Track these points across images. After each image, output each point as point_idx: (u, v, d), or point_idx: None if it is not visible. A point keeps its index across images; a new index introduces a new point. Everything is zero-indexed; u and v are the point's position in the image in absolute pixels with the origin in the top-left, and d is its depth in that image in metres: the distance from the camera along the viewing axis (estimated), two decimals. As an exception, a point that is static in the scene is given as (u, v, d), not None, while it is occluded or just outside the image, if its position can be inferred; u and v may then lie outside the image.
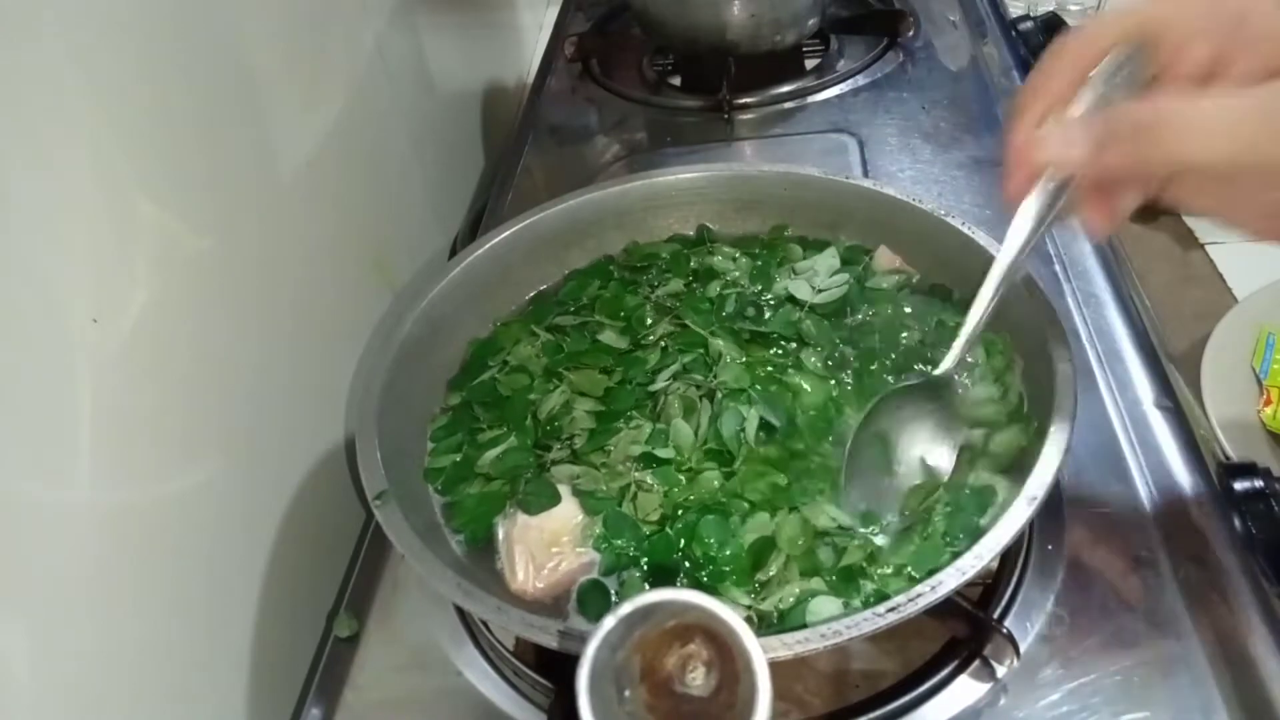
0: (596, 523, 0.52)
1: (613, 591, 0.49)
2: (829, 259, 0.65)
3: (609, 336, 0.63)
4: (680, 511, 0.51)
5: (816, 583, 0.47)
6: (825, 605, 0.46)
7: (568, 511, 0.52)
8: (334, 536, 0.66)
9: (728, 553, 0.49)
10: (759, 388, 0.56)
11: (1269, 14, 0.36)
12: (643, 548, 0.50)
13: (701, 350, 0.60)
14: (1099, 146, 0.37)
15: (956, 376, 0.54)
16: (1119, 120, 0.36)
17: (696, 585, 0.48)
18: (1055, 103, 0.41)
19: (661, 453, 0.54)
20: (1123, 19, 0.39)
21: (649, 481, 0.53)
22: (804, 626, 0.43)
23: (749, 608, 0.47)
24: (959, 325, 0.50)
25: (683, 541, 0.50)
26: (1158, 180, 0.39)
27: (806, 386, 0.57)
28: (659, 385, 0.58)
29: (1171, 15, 0.38)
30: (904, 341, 0.59)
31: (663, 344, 0.61)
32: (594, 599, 0.49)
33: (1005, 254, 0.46)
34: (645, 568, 0.50)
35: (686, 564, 0.50)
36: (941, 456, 0.51)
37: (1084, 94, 0.41)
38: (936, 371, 0.52)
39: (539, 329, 0.64)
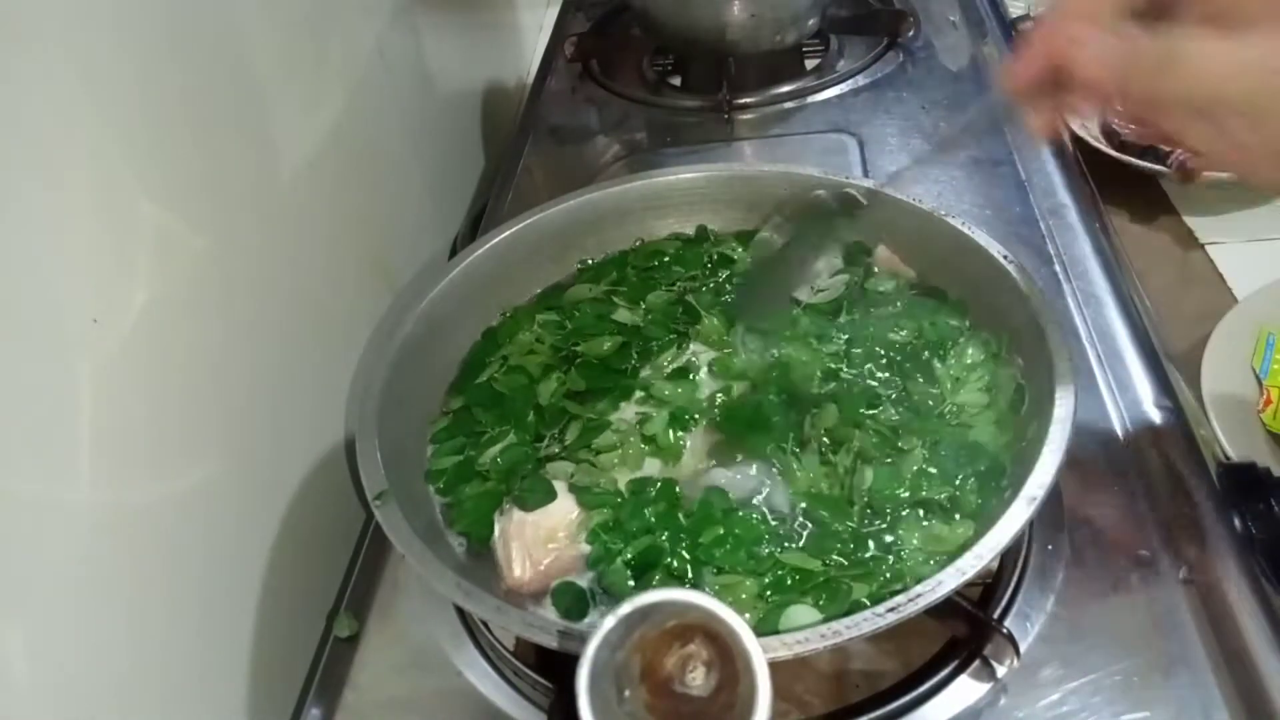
0: (593, 518, 0.52)
1: (587, 590, 0.49)
2: (832, 258, 0.65)
3: (623, 315, 0.64)
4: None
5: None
6: (801, 614, 0.46)
7: (564, 507, 0.52)
8: (334, 536, 0.66)
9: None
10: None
11: None
12: (632, 544, 0.50)
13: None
14: (1123, 70, 0.40)
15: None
16: (1146, 50, 0.39)
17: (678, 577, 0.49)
18: (1086, 21, 0.41)
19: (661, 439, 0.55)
20: None
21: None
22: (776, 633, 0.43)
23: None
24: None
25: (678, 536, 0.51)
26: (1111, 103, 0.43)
27: (803, 358, 0.58)
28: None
29: None
30: (897, 339, 0.59)
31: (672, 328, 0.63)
32: (567, 598, 0.49)
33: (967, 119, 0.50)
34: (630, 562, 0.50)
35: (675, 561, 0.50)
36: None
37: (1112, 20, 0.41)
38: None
39: (541, 315, 0.65)
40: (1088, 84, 0.42)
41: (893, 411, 0.55)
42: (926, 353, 0.58)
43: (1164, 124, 0.40)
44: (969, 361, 0.57)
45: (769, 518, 0.51)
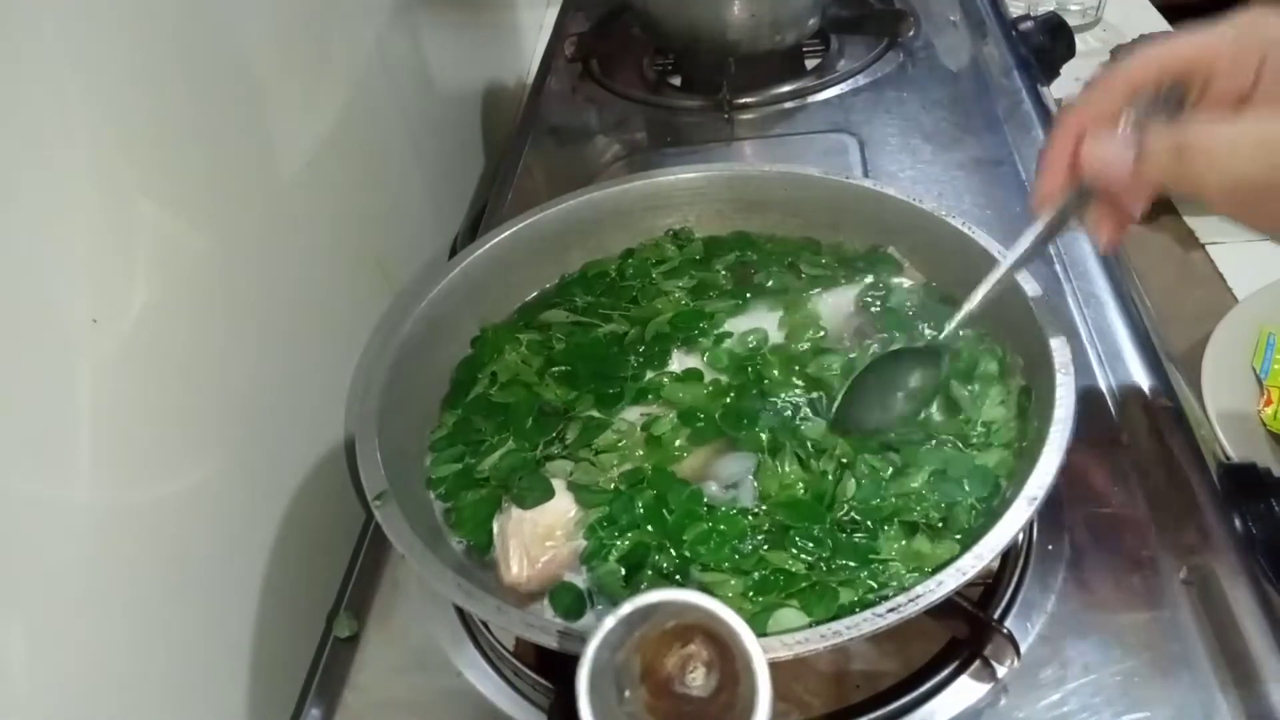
0: (591, 516, 0.52)
1: (585, 591, 0.49)
2: (851, 291, 0.64)
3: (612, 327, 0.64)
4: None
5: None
6: (788, 617, 0.45)
7: (562, 505, 0.52)
8: (334, 536, 0.66)
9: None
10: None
11: None
12: (624, 541, 0.50)
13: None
14: (1138, 164, 0.41)
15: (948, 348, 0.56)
16: (1157, 141, 0.40)
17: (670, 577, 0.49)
18: (1097, 120, 0.44)
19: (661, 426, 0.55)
20: (1170, 51, 0.43)
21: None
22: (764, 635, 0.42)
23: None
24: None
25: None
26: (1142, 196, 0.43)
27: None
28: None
29: (1212, 52, 0.41)
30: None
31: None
32: (565, 599, 0.49)
33: (1016, 250, 0.50)
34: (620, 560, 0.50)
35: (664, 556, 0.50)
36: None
37: (1126, 114, 0.43)
38: (940, 337, 0.55)
39: (523, 335, 0.64)
40: (1109, 186, 0.43)
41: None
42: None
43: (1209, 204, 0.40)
44: (985, 375, 0.56)
45: (748, 513, 0.50)
